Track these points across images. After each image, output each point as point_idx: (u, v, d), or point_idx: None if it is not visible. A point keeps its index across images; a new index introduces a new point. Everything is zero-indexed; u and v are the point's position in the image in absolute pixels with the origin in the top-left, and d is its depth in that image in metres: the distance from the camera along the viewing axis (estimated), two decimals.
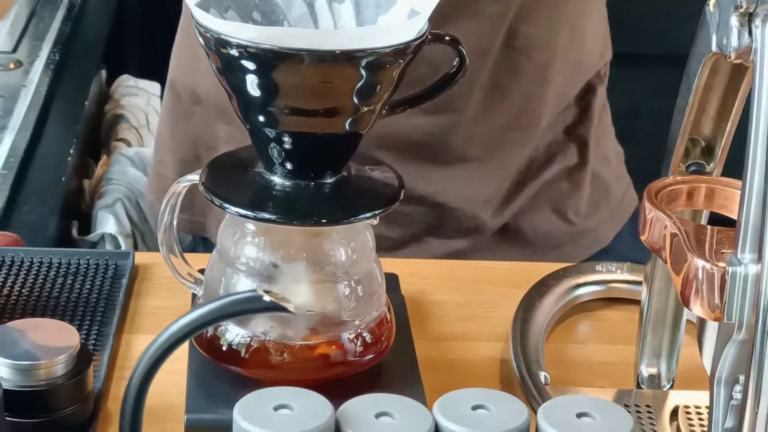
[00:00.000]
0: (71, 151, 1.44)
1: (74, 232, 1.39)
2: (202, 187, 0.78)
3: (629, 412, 0.82)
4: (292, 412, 0.61)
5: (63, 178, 1.38)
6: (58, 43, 1.70)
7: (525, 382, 0.83)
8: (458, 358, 0.88)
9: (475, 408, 0.64)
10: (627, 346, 0.87)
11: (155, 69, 1.42)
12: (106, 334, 0.85)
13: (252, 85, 0.74)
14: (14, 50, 1.68)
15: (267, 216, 0.76)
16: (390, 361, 0.82)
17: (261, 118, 0.76)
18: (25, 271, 0.91)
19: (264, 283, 0.78)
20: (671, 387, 0.85)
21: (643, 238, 0.76)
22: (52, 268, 0.92)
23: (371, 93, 0.76)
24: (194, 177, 0.80)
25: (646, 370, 0.85)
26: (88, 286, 0.90)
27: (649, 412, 0.83)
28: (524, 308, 0.91)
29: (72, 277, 0.91)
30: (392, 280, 0.92)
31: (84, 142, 1.57)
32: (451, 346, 0.89)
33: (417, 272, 0.97)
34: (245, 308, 0.57)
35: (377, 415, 0.62)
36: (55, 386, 0.73)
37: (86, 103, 1.58)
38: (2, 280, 0.90)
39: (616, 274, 0.96)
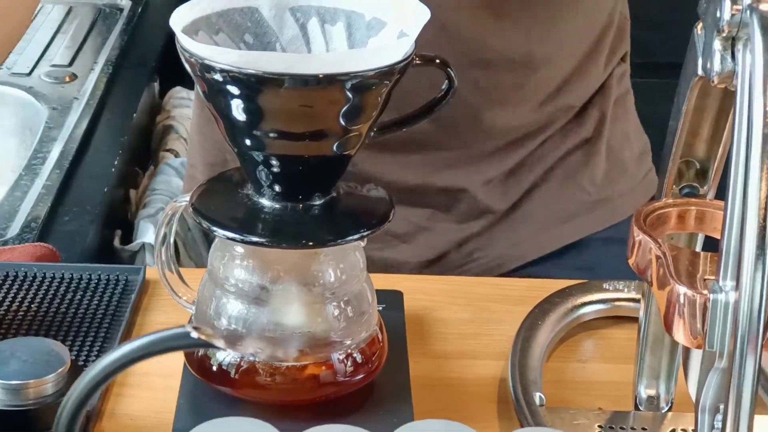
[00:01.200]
0: (116, 162, 1.46)
1: (116, 242, 1.42)
2: (191, 209, 0.79)
3: None
4: None
5: (106, 189, 1.41)
6: (113, 55, 1.74)
7: (519, 403, 0.83)
8: (456, 376, 0.88)
9: None
10: (630, 365, 0.86)
11: None
12: (108, 349, 0.86)
13: (237, 109, 0.75)
14: (71, 63, 1.72)
15: (255, 239, 0.77)
16: (382, 381, 0.83)
17: (248, 142, 0.77)
18: (36, 287, 0.93)
19: (252, 305, 0.79)
20: (669, 409, 0.84)
21: (630, 261, 0.75)
22: (63, 283, 0.94)
23: (357, 115, 0.76)
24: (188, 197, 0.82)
25: (644, 392, 0.84)
26: (96, 302, 0.92)
27: None
28: (527, 327, 0.91)
29: (82, 293, 0.92)
30: (396, 298, 0.92)
31: (133, 153, 1.59)
32: (451, 364, 0.89)
33: (425, 288, 0.97)
34: (173, 345, 0.58)
35: None
36: (44, 405, 0.75)
37: (135, 114, 1.61)
38: (13, 295, 0.92)
39: (623, 293, 0.95)
